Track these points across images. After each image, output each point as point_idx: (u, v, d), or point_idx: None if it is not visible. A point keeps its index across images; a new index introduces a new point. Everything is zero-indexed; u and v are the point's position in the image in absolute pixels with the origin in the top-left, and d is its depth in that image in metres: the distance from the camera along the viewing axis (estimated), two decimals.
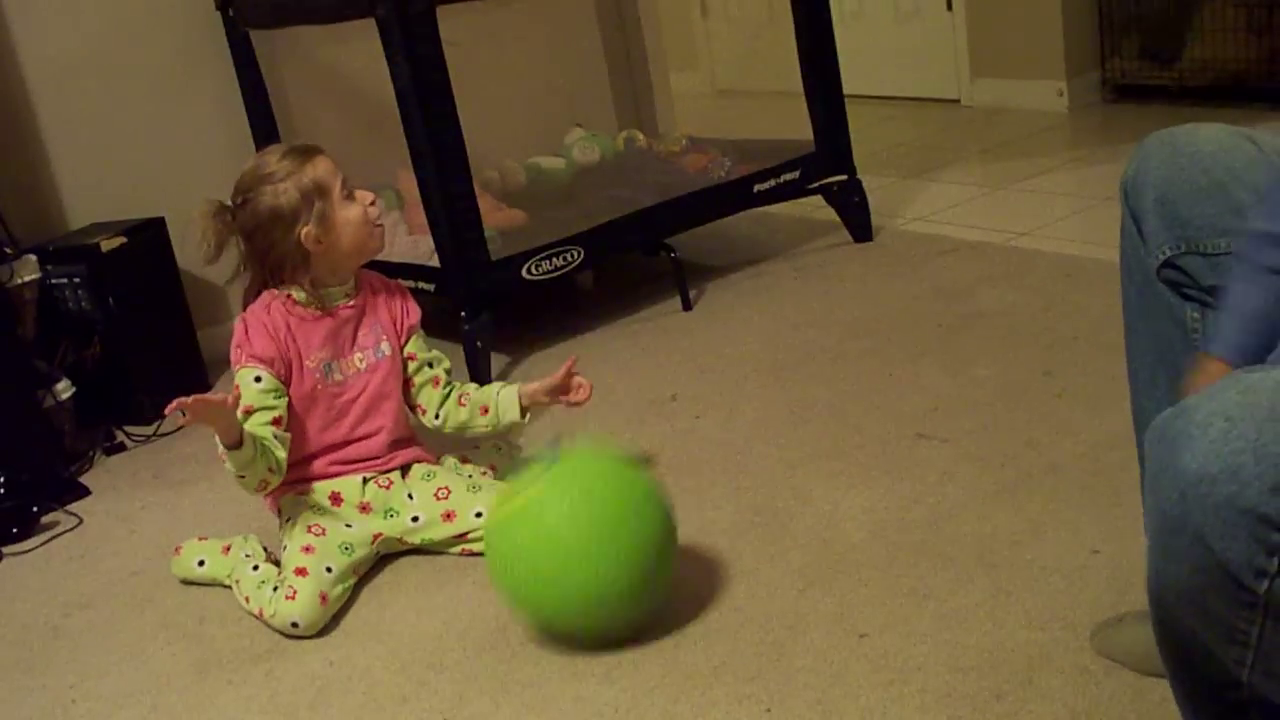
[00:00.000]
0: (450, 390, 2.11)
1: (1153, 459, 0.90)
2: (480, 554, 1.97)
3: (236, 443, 1.84)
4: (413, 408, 2.13)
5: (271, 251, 1.97)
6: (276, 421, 1.94)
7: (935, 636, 1.58)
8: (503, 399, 2.07)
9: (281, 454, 1.92)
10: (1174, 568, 0.91)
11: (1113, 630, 1.48)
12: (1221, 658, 0.93)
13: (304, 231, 1.94)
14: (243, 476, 1.88)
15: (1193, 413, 0.88)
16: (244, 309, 2.03)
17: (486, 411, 2.07)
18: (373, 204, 2.01)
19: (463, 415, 2.09)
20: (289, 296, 1.99)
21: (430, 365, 2.11)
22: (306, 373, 2.00)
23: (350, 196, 1.99)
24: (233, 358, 1.99)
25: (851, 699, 1.49)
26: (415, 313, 2.12)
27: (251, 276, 2.03)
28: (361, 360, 2.04)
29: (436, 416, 2.10)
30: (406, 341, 2.10)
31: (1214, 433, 0.85)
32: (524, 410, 2.07)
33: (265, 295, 2.01)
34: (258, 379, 1.94)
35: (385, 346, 2.06)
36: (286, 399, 1.97)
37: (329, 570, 1.88)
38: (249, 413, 1.92)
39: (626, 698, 1.57)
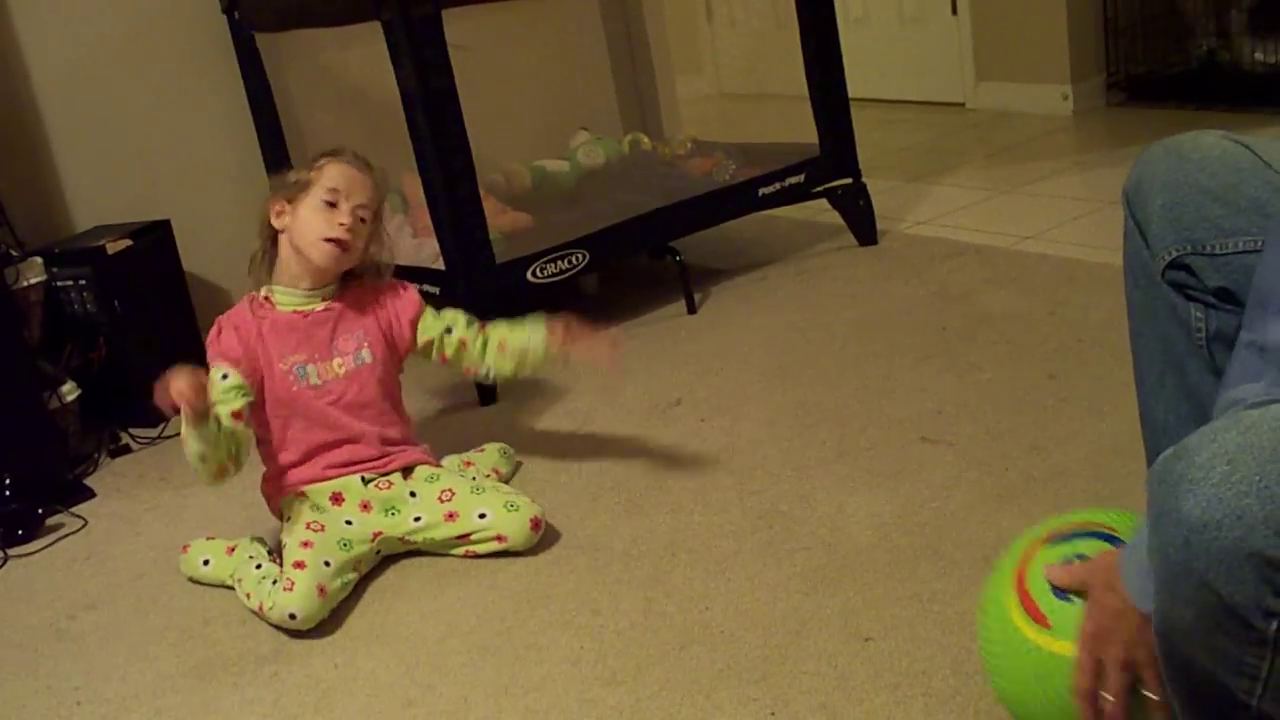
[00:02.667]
0: (486, 340, 2.12)
1: (1155, 502, 0.90)
2: (482, 555, 1.98)
3: (204, 417, 1.87)
4: (462, 370, 2.17)
5: (262, 222, 2.07)
6: (236, 415, 1.95)
7: (940, 640, 1.58)
8: (533, 344, 2.08)
9: (241, 443, 1.95)
10: (1180, 609, 0.91)
11: None
12: (1230, 687, 0.93)
13: (278, 199, 2.04)
14: (204, 460, 1.89)
15: (1194, 454, 0.87)
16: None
17: (526, 354, 2.09)
18: (341, 225, 2.01)
19: (507, 365, 2.10)
20: (266, 297, 2.05)
21: (450, 331, 2.12)
22: (279, 375, 2.01)
23: (331, 206, 2.01)
24: (208, 350, 2.03)
25: (856, 703, 1.49)
26: (411, 304, 2.12)
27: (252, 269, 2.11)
28: (340, 366, 2.05)
29: (487, 373, 2.14)
30: (414, 334, 2.10)
31: (1216, 476, 0.85)
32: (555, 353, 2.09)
33: (244, 299, 2.06)
34: (224, 376, 1.97)
35: (366, 354, 2.06)
36: (251, 398, 1.99)
37: (327, 564, 1.89)
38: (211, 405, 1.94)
39: (630, 700, 1.57)
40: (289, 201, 2.03)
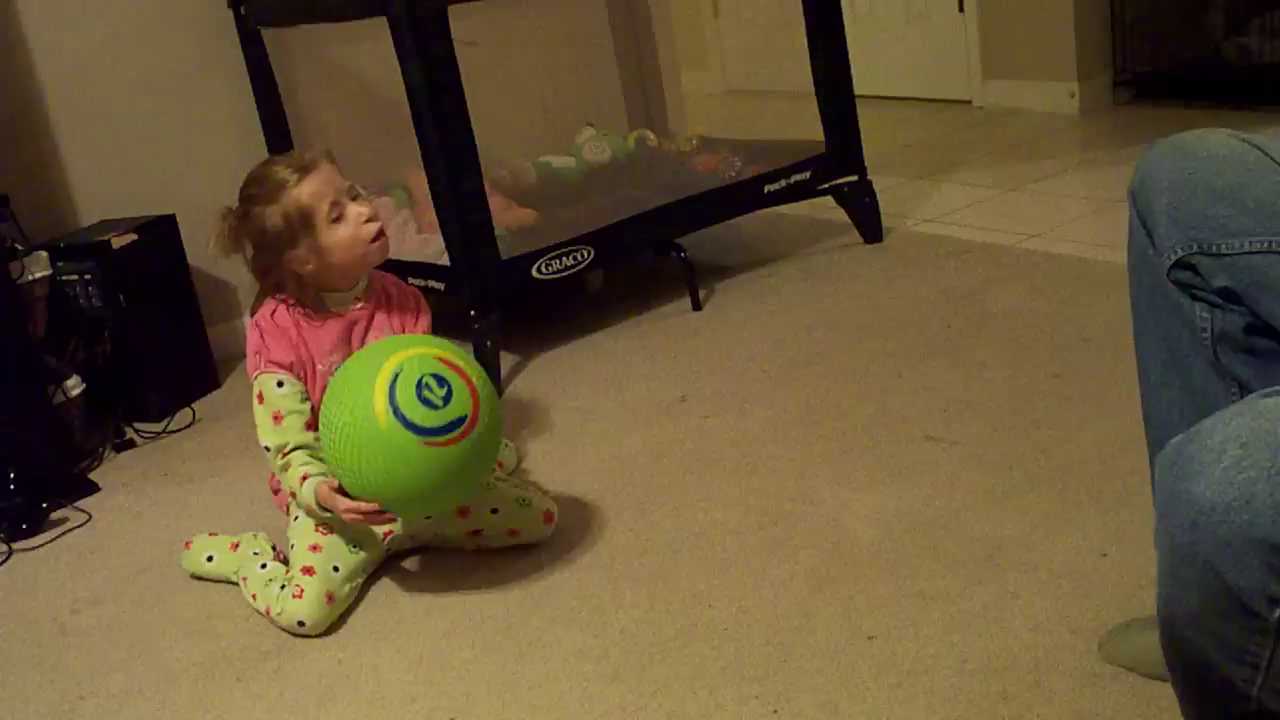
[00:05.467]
0: None
1: (1164, 485, 0.90)
2: (496, 548, 1.98)
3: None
4: None
5: (270, 270, 1.97)
6: (309, 426, 1.92)
7: (942, 638, 1.58)
8: None
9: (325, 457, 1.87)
10: (1185, 594, 0.90)
11: (1120, 637, 1.48)
12: (1231, 676, 0.92)
13: (292, 256, 1.94)
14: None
15: (1206, 438, 0.87)
16: (252, 314, 2.03)
17: None
18: (368, 221, 1.95)
19: None
20: (296, 303, 1.99)
21: None
22: (319, 376, 1.98)
23: (339, 218, 1.93)
24: (250, 364, 1.97)
25: (858, 700, 1.49)
26: (424, 322, 2.09)
27: (259, 285, 2.02)
28: None
29: None
30: None
31: (1227, 460, 0.84)
32: None
33: (270, 301, 1.99)
34: (280, 384, 1.93)
35: None
36: (310, 403, 1.95)
37: (336, 569, 1.89)
38: (279, 419, 1.91)
39: (633, 698, 1.57)
40: (297, 247, 1.93)
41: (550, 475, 2.22)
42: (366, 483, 1.73)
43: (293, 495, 1.90)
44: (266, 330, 1.96)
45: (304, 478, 1.86)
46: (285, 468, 1.90)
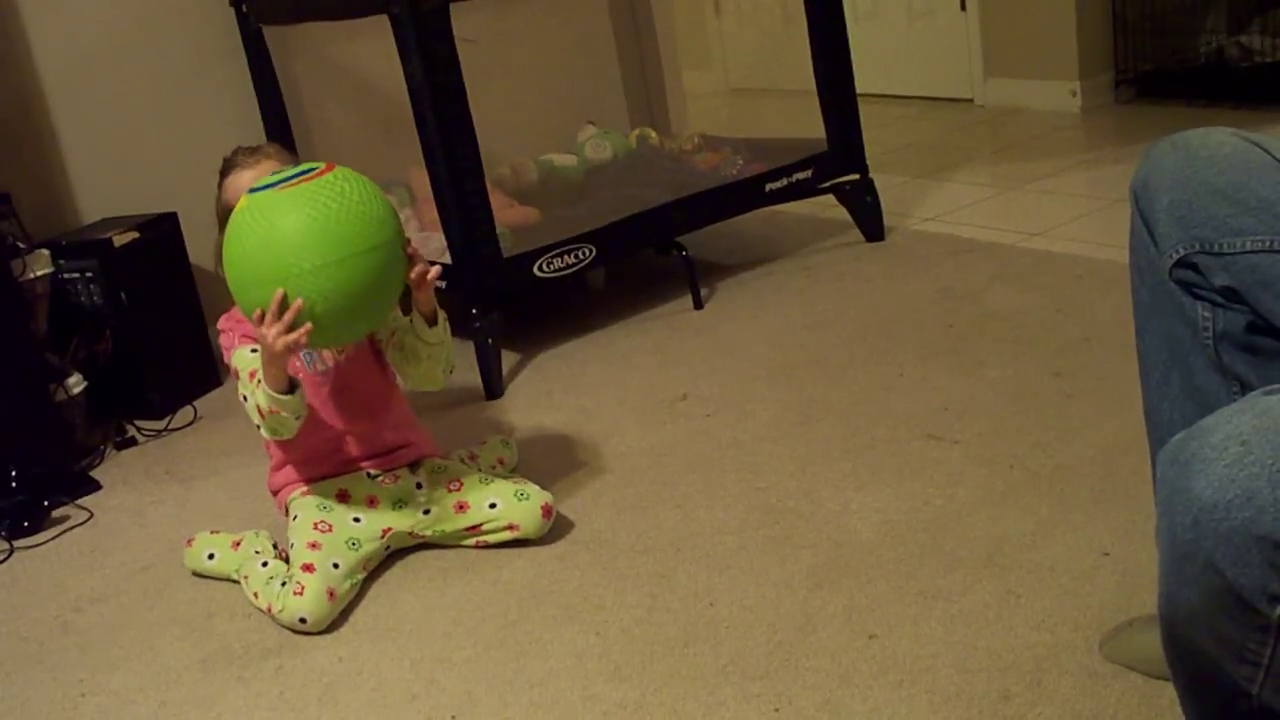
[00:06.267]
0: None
1: (1165, 482, 0.90)
2: (493, 545, 1.98)
3: (290, 387, 1.84)
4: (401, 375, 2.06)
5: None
6: None
7: (944, 638, 1.58)
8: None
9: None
10: (1186, 591, 0.90)
11: (1122, 636, 1.48)
12: (1232, 674, 0.93)
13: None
14: (298, 418, 1.87)
15: (1208, 435, 0.87)
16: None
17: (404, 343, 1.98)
18: None
19: (396, 356, 2.01)
20: None
21: (393, 334, 2.01)
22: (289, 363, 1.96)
23: None
24: (224, 343, 2.01)
25: (859, 699, 1.49)
26: None
27: None
28: (339, 350, 2.02)
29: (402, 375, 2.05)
30: None
31: (1229, 457, 0.84)
32: (426, 317, 1.94)
33: None
34: (254, 350, 1.90)
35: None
36: None
37: (336, 566, 1.89)
38: (254, 375, 1.88)
39: (635, 696, 1.57)
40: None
41: (551, 474, 2.22)
42: (253, 258, 1.73)
43: (262, 413, 1.85)
44: (238, 313, 1.95)
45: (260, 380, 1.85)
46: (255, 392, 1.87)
